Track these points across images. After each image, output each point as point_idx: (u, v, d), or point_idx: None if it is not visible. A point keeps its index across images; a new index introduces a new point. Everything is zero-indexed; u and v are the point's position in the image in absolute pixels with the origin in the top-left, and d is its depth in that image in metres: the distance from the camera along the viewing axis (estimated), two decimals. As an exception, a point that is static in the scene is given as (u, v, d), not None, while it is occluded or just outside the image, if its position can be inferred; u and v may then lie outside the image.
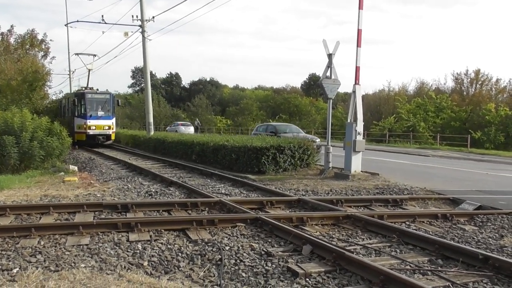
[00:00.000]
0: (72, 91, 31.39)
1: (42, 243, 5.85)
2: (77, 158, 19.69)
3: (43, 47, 35.93)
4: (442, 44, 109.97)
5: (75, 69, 51.62)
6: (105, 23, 26.43)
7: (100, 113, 26.23)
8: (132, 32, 26.30)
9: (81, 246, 5.74)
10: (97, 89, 27.64)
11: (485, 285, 4.84)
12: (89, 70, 30.17)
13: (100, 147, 25.82)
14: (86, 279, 4.57)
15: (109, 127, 26.46)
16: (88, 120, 25.63)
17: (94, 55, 31.14)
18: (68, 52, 48.98)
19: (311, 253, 5.64)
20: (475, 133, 38.56)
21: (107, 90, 27.80)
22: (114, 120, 27.46)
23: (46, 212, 7.63)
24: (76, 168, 14.58)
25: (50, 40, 38.16)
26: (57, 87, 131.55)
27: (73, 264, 5.05)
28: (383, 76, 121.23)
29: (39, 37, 35.62)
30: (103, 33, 48.73)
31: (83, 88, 28.66)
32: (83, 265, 5.02)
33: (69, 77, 43.92)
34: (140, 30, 25.28)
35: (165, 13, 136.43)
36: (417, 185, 11.57)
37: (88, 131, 25.56)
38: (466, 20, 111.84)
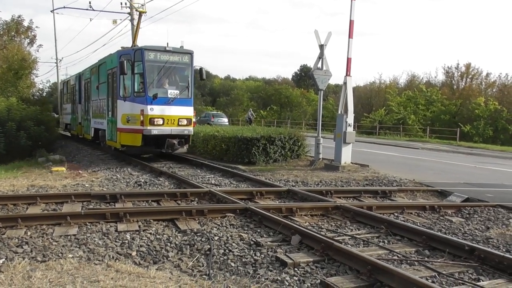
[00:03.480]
0: (102, 59, 16.53)
1: (29, 233, 5.80)
2: (65, 148, 19.50)
3: (29, 34, 35.20)
4: (434, 38, 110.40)
5: (62, 57, 50.78)
6: (93, 9, 25.88)
7: (172, 91, 13.55)
8: (121, 20, 25.83)
9: (69, 237, 5.70)
10: (168, 45, 13.74)
11: (470, 275, 4.90)
12: (141, 15, 16.41)
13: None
14: (73, 269, 4.54)
15: (189, 121, 13.77)
16: (149, 106, 12.89)
17: None
18: (55, 40, 48.38)
19: (300, 243, 5.66)
20: (464, 126, 38.86)
21: (181, 47, 14.04)
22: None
23: (33, 203, 7.56)
24: (64, 158, 14.46)
25: (36, 27, 36.94)
26: (44, 76, 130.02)
27: (60, 255, 5.02)
28: (374, 68, 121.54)
29: (25, 23, 34.91)
30: (90, 20, 47.84)
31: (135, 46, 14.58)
32: (70, 255, 4.99)
33: (56, 66, 43.26)
34: (129, 17, 24.97)
35: (155, 0, 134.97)
36: (406, 177, 11.65)
37: (148, 127, 12.89)
38: (458, 14, 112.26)
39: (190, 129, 13.72)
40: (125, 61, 12.49)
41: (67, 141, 22.48)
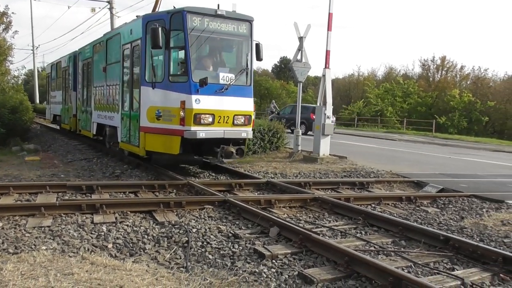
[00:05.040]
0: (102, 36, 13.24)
1: (0, 224, 5.65)
2: (41, 137, 19.09)
3: (5, 20, 34.22)
4: (411, 31, 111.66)
5: (39, 45, 49.67)
6: (71, -4, 25.23)
7: (225, 75, 9.42)
8: (99, 8, 25.36)
9: (43, 228, 5.58)
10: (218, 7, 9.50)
11: (445, 265, 4.99)
12: None
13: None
14: (47, 261, 4.44)
15: (248, 119, 9.76)
16: (194, 96, 8.83)
17: None
18: (32, 27, 47.20)
19: (278, 235, 5.66)
20: (440, 118, 39.60)
21: (234, 11, 9.69)
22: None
23: (6, 193, 7.36)
24: (39, 147, 14.16)
25: (13, 13, 36.07)
26: (19, 63, 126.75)
27: (33, 247, 4.90)
28: (353, 61, 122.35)
29: (0, 9, 33.90)
30: (68, 8, 47.05)
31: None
32: (44, 247, 4.88)
33: (33, 53, 42.29)
34: (108, 6, 24.52)
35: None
36: (383, 168, 11.79)
37: (192, 127, 8.87)
38: (434, 7, 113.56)
39: (249, 131, 9.66)
40: (159, 28, 8.60)
41: (46, 132, 21.93)
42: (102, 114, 12.73)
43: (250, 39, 9.79)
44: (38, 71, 56.52)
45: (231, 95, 9.25)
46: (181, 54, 9.37)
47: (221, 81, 9.15)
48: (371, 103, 45.71)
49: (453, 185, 9.74)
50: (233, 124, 9.33)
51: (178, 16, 8.95)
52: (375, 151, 17.45)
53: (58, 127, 21.29)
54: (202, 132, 8.88)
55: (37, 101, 47.69)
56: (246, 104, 9.59)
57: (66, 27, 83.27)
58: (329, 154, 13.45)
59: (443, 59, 48.49)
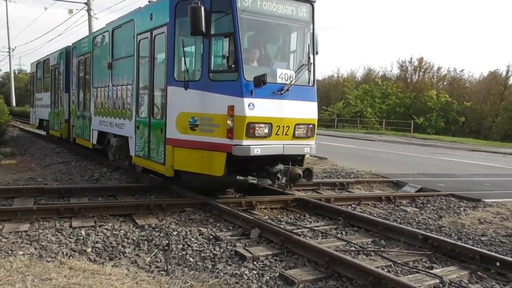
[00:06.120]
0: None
1: (-24, 230, 5.52)
2: (18, 140, 18.72)
3: (-20, 22, 33.51)
4: (390, 32, 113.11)
5: (15, 47, 48.85)
6: (48, -3, 24.89)
7: (283, 71, 7.11)
8: (77, 9, 25.04)
9: (20, 233, 5.47)
10: None
11: (424, 263, 5.06)
12: None
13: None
14: (24, 267, 4.35)
15: (311, 129, 7.47)
16: (246, 99, 6.59)
17: None
18: (8, 28, 46.43)
19: (259, 236, 5.67)
20: (418, 118, 40.24)
21: None
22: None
23: (-18, 198, 7.20)
24: (16, 150, 13.87)
25: (-13, 14, 35.20)
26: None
27: (10, 252, 4.80)
28: (333, 62, 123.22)
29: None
30: (45, 9, 46.31)
31: None
32: (21, 253, 4.79)
33: (9, 55, 41.51)
34: (86, 8, 24.23)
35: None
36: (363, 168, 11.90)
37: (244, 140, 6.61)
38: (411, 9, 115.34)
39: (312, 145, 7.53)
40: (202, 8, 6.49)
41: (24, 136, 21.48)
42: (106, 120, 10.53)
43: (312, 26, 7.67)
44: (14, 73, 55.66)
45: (292, 99, 7.07)
46: (226, 43, 7.10)
47: (279, 80, 6.96)
48: (351, 104, 46.17)
49: (431, 184, 9.90)
50: (294, 137, 7.16)
51: None
52: (355, 152, 17.62)
53: (44, 133, 18.83)
54: (257, 148, 6.69)
55: (14, 103, 46.96)
56: (310, 110, 7.41)
57: (43, 29, 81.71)
58: (310, 155, 13.51)
59: (420, 60, 49.26)
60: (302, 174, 6.80)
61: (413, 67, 49.93)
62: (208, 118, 6.91)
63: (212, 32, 6.87)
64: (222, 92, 6.78)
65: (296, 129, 7.17)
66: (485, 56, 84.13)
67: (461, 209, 7.94)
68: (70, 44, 13.97)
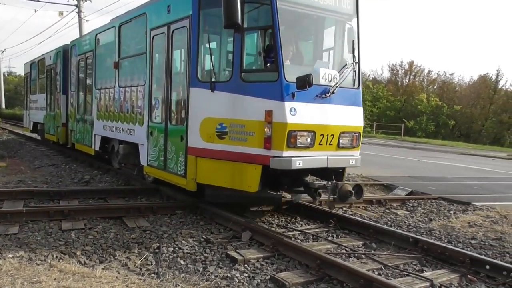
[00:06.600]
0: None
1: (-36, 233, 5.46)
2: (7, 143, 18.55)
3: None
4: (380, 35, 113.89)
5: (5, 49, 48.49)
6: (38, 0, 24.90)
7: (327, 72, 6.14)
8: (67, 11, 24.95)
9: (9, 236, 5.42)
10: None
11: (414, 266, 5.09)
12: None
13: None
14: (13, 270, 4.32)
15: (357, 138, 6.65)
16: (287, 103, 5.69)
17: None
18: (-4, 31, 45.92)
19: (250, 239, 5.66)
20: (408, 122, 40.55)
21: None
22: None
23: (-30, 201, 7.12)
24: (5, 153, 13.73)
25: (-23, 16, 35.06)
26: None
27: (-1, 255, 4.76)
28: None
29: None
30: (35, 11, 46.21)
31: None
32: (10, 255, 4.74)
33: (-1, 57, 41.15)
34: (76, 10, 24.16)
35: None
36: (354, 171, 11.93)
37: (284, 151, 5.71)
38: (401, 13, 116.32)
39: (357, 157, 6.79)
40: None
41: (14, 138, 21.28)
42: (111, 125, 9.64)
43: (357, 20, 6.88)
44: (4, 75, 55.36)
45: (337, 103, 6.24)
46: (261, 39, 6.39)
47: (322, 81, 6.05)
48: (342, 107, 46.32)
49: (421, 187, 9.97)
50: (338, 147, 6.35)
51: None
52: (346, 155, 17.65)
53: (39, 137, 17.59)
54: (299, 160, 5.83)
55: (3, 106, 46.62)
56: (356, 116, 6.57)
57: (33, 31, 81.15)
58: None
59: (411, 64, 49.72)
60: (352, 191, 5.92)
61: (403, 70, 50.45)
62: (240, 125, 6.00)
63: (245, 25, 5.99)
64: (257, 95, 5.89)
65: (341, 138, 6.35)
66: (475, 60, 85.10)
67: (451, 212, 8.00)
68: (68, 43, 13.29)
